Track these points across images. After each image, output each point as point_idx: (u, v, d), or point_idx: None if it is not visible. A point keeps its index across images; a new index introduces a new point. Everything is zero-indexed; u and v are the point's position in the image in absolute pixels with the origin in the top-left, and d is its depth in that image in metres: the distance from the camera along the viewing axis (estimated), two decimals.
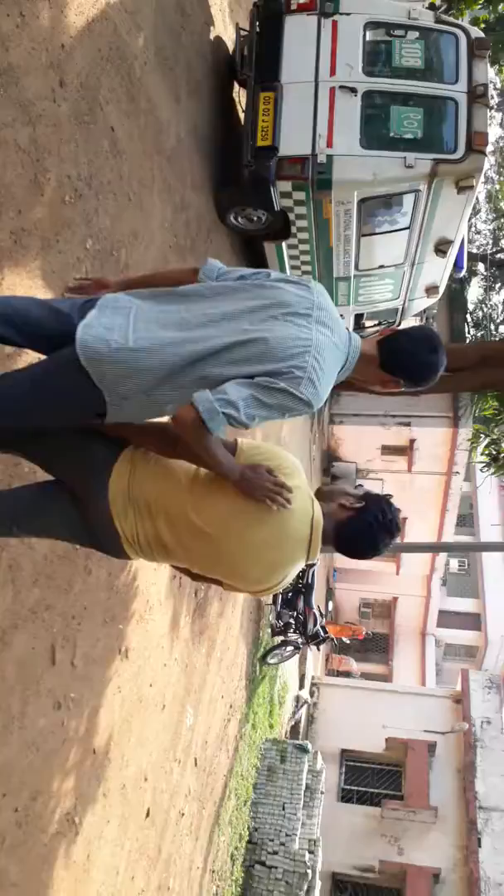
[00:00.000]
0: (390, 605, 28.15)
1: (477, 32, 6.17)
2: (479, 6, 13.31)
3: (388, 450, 20.66)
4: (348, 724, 14.59)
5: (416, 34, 6.12)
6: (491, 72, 13.07)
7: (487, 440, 7.10)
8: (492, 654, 27.18)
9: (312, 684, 15.22)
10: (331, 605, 15.55)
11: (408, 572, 24.79)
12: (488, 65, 6.09)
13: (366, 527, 2.00)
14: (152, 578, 4.92)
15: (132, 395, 1.84)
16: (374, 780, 14.65)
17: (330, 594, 24.68)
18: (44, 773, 3.38)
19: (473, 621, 28.21)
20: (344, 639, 15.84)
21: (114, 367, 1.81)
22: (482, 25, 12.75)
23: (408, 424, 19.59)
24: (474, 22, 12.73)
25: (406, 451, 20.40)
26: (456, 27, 6.13)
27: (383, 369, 2.03)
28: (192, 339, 1.84)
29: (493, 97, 18.57)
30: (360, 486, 2.27)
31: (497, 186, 21.86)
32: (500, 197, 21.73)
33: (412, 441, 20.17)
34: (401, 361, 2.03)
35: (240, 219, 6.45)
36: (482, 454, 7.22)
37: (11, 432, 2.01)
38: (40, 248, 3.18)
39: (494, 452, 6.99)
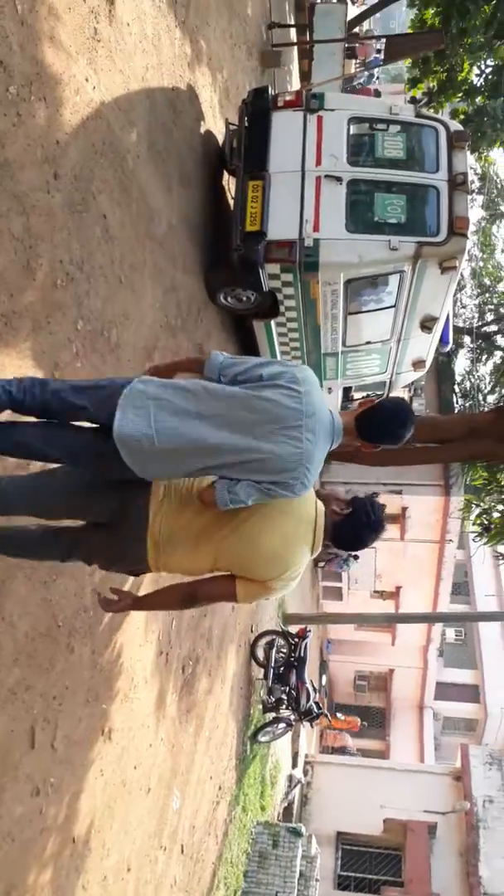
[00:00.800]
0: (386, 677, 27.52)
1: (456, 126, 6.54)
2: (458, 99, 14.15)
3: None
4: (344, 804, 14.06)
5: (398, 128, 6.47)
6: (471, 159, 13.75)
7: (479, 510, 7.14)
8: (492, 728, 26.43)
9: (306, 763, 14.73)
10: (324, 678, 15.21)
11: (403, 643, 24.36)
12: (468, 155, 6.42)
13: (354, 527, 2.48)
14: (137, 655, 4.85)
15: (155, 472, 2.36)
16: (373, 865, 14.02)
17: (324, 667, 24.17)
18: (20, 865, 3.26)
19: (472, 693, 27.56)
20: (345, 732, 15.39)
21: (141, 456, 2.28)
22: (461, 117, 13.53)
23: (399, 492, 19.61)
24: (454, 114, 13.50)
25: (398, 519, 20.36)
26: (435, 121, 6.49)
27: (361, 438, 2.44)
28: (208, 447, 2.28)
29: (473, 182, 19.50)
30: (349, 491, 2.70)
31: (481, 263, 22.64)
32: (483, 273, 22.46)
33: (404, 509, 20.16)
34: (373, 434, 2.45)
35: (230, 299, 6.66)
36: (474, 524, 7.25)
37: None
38: (31, 329, 3.29)
39: (486, 522, 7.02)
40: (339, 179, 6.22)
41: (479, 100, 14.00)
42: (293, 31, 10.85)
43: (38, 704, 3.38)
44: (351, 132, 6.43)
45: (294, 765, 13.83)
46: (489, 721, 26.37)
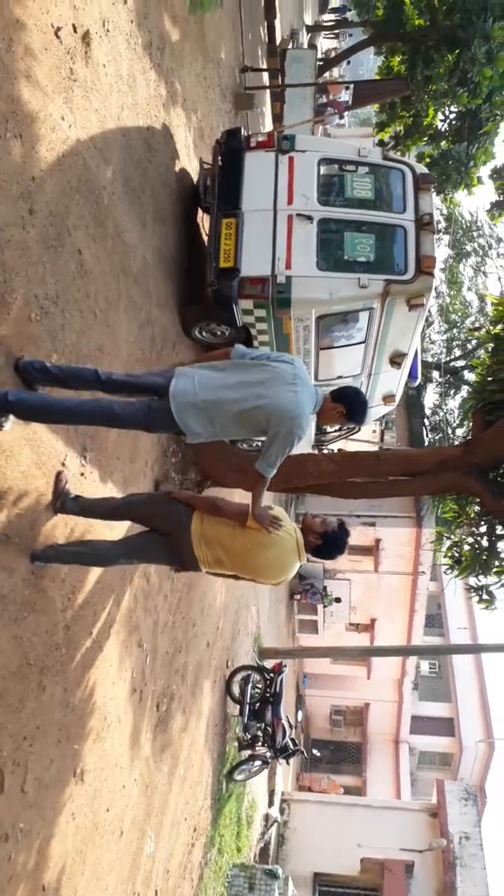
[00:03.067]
0: (362, 711, 27.31)
1: (421, 168, 6.75)
2: (424, 142, 14.63)
3: (354, 550, 20.62)
4: (321, 843, 13.82)
5: (367, 169, 6.66)
6: (437, 200, 14.16)
7: (449, 542, 7.18)
8: (467, 761, 26.30)
9: (283, 801, 14.48)
10: (300, 714, 15.02)
11: (379, 676, 24.25)
12: (433, 196, 6.62)
13: (326, 549, 3.73)
14: (110, 693, 4.76)
15: (190, 424, 3.44)
16: None
17: (300, 701, 23.91)
18: None
19: (446, 727, 27.43)
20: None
21: (184, 408, 3.41)
22: (427, 160, 13.97)
23: (372, 524, 19.72)
24: (420, 157, 13.93)
25: (372, 550, 20.43)
26: (402, 164, 6.70)
27: (333, 401, 3.60)
28: (233, 399, 3.42)
29: (439, 222, 20.05)
30: (323, 521, 3.73)
31: (448, 300, 23.17)
32: (451, 310, 22.97)
33: (378, 541, 20.25)
34: (353, 407, 3.64)
35: (204, 333, 6.72)
36: (445, 556, 7.29)
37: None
38: (3, 363, 3.28)
39: (457, 555, 7.05)
40: (310, 218, 6.36)
41: (443, 144, 14.50)
42: (266, 75, 11.17)
43: (7, 746, 3.30)
44: (321, 172, 6.60)
45: (270, 803, 13.58)
46: (464, 755, 26.24)
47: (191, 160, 6.96)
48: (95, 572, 4.42)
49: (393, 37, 14.07)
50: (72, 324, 3.99)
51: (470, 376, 22.65)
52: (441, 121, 14.61)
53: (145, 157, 5.54)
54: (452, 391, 23.17)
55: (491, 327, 7.41)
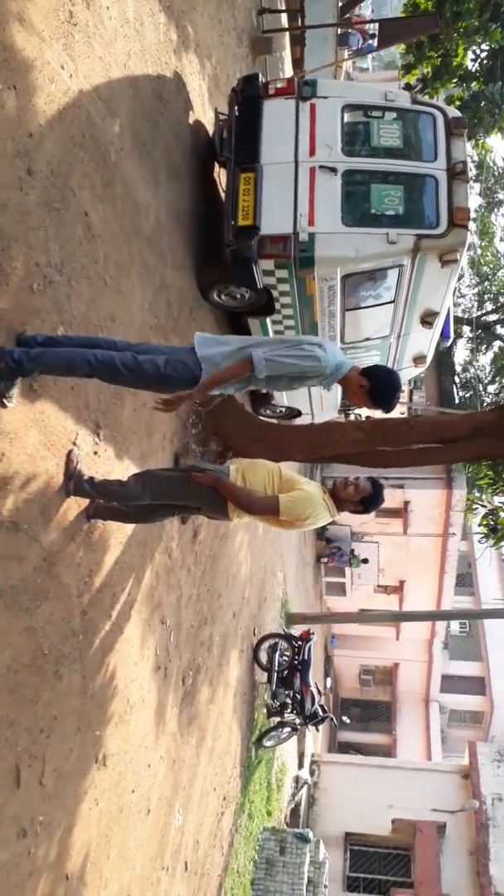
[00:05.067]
0: (391, 671, 27.38)
1: (453, 112, 6.27)
2: (454, 84, 13.83)
3: (382, 512, 20.35)
4: (352, 804, 13.87)
5: (394, 115, 6.21)
6: (468, 146, 13.43)
7: (484, 511, 6.90)
8: (498, 719, 26.32)
9: (312, 762, 14.55)
10: (329, 681, 15.01)
11: (408, 637, 24.19)
12: (465, 142, 6.16)
13: (366, 510, 3.75)
14: (132, 674, 4.62)
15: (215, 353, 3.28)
16: (382, 865, 13.85)
17: (328, 662, 24.00)
18: None
19: (478, 685, 27.42)
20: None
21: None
22: (457, 103, 13.22)
23: (401, 486, 19.39)
24: (449, 100, 13.20)
25: (401, 513, 20.15)
26: (432, 107, 6.23)
27: (369, 396, 3.36)
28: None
29: (471, 170, 19.19)
30: (356, 485, 3.67)
31: (479, 252, 22.32)
32: (482, 262, 22.15)
33: (406, 503, 19.95)
34: (381, 399, 3.39)
35: (223, 296, 6.41)
36: (480, 524, 7.01)
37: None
38: (5, 339, 3.05)
39: (493, 523, 6.77)
40: (334, 170, 5.96)
41: (474, 85, 13.70)
42: (284, 17, 10.56)
43: (22, 740, 3.15)
44: (345, 120, 6.16)
45: (300, 765, 13.66)
46: (495, 713, 26.25)
47: (206, 111, 6.55)
48: (113, 552, 4.24)
49: None
50: (79, 293, 3.73)
51: (502, 331, 21.98)
52: (472, 60, 13.77)
53: (156, 109, 5.18)
54: (483, 347, 22.52)
55: None
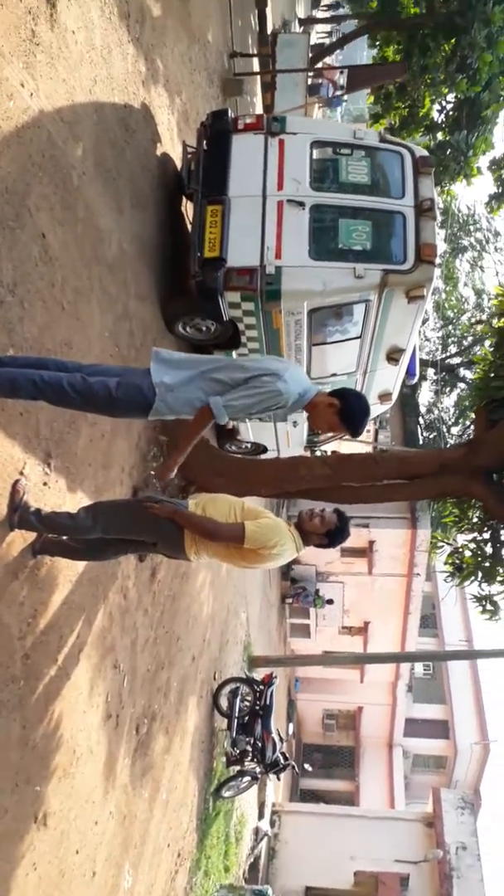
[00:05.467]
0: (355, 715, 26.91)
1: (421, 151, 6.33)
2: (421, 134, 14.21)
3: (347, 552, 20.22)
4: (313, 856, 13.39)
5: (363, 153, 6.23)
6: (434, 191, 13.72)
7: (450, 549, 6.77)
8: (462, 764, 25.99)
9: (273, 812, 14.06)
10: (291, 727, 14.61)
11: (372, 679, 23.83)
12: (433, 180, 6.20)
13: (332, 543, 3.65)
14: (80, 723, 4.32)
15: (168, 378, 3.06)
16: None
17: (291, 706, 23.50)
18: None
19: (441, 729, 27.10)
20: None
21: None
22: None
23: (366, 526, 19.28)
24: None
25: (366, 552, 20.01)
26: (400, 146, 6.27)
27: (339, 416, 3.22)
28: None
29: (437, 212, 19.66)
30: (322, 517, 3.58)
31: (444, 296, 22.77)
32: (447, 306, 22.58)
33: (371, 542, 19.83)
34: (353, 421, 3.28)
35: (188, 328, 6.29)
36: (445, 563, 6.88)
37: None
38: None
39: (458, 562, 6.65)
40: (301, 204, 5.93)
41: (440, 135, 14.07)
42: (256, 62, 10.73)
43: None
44: (314, 156, 6.16)
45: (261, 816, 13.15)
46: (459, 757, 25.93)
47: (174, 144, 6.51)
48: (61, 591, 3.98)
49: (388, 24, 13.63)
50: (33, 316, 3.55)
51: (466, 374, 22.33)
52: (437, 111, 14.18)
53: (122, 138, 5.09)
54: (448, 389, 22.81)
55: (494, 321, 6.99)
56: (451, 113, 13.96)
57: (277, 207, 5.93)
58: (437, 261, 6.01)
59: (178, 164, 6.50)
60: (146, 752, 6.09)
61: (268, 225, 5.89)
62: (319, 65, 14.38)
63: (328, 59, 15.97)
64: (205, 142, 6.12)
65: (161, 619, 6.55)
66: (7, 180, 3.29)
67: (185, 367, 3.07)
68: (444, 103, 14.17)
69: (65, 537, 3.58)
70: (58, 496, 3.87)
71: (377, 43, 14.49)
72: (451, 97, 13.92)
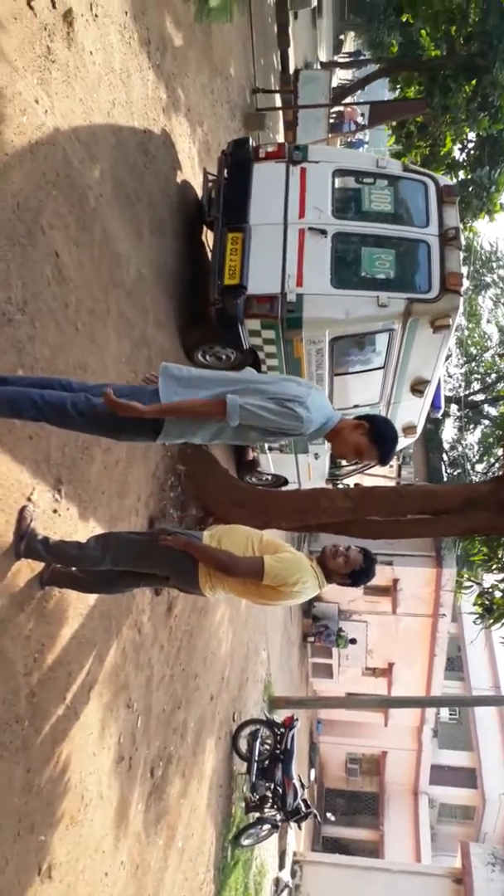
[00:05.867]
0: (379, 760, 26.04)
1: (445, 181, 6.24)
2: (442, 172, 14.21)
3: (371, 590, 19.79)
4: None
5: (386, 181, 6.15)
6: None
7: (478, 590, 6.48)
8: (490, 815, 24.85)
9: (294, 862, 13.48)
10: (313, 773, 14.09)
11: (397, 723, 23.08)
12: (457, 209, 6.09)
13: (355, 583, 3.42)
14: (89, 766, 4.09)
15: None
16: None
17: (314, 750, 22.80)
18: None
19: (468, 777, 26.04)
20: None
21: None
22: None
23: (390, 563, 18.88)
24: None
25: (390, 591, 19.56)
26: (424, 175, 6.19)
27: (368, 437, 2.97)
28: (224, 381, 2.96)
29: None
30: (346, 556, 3.37)
31: (466, 332, 22.65)
32: (469, 343, 22.43)
33: (395, 581, 19.39)
34: (385, 449, 3.04)
35: (208, 357, 6.18)
36: (474, 605, 6.59)
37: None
38: None
39: (488, 602, 6.36)
40: (323, 232, 5.84)
41: (461, 174, 14.09)
42: (278, 98, 10.83)
43: None
44: (336, 185, 6.09)
45: (281, 866, 12.60)
46: (487, 807, 24.83)
47: (195, 173, 6.50)
48: (70, 625, 3.79)
49: (409, 66, 13.79)
50: (44, 336, 3.44)
51: (490, 410, 22.04)
52: (459, 150, 14.22)
53: (141, 162, 5.05)
54: (472, 426, 22.53)
55: None
56: (472, 151, 14.00)
57: (299, 235, 5.85)
58: (463, 288, 5.86)
59: (199, 192, 6.47)
60: (161, 797, 5.80)
61: (289, 253, 5.80)
62: (341, 105, 14.54)
63: (349, 99, 16.16)
64: (226, 170, 6.09)
65: (178, 656, 6.31)
66: (19, 196, 3.21)
67: (198, 385, 2.88)
68: (465, 142, 14.23)
69: (73, 568, 3.41)
70: (68, 524, 3.71)
71: (398, 85, 14.68)
72: (472, 136, 13.98)
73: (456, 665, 27.16)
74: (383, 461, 3.08)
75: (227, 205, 5.96)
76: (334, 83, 17.03)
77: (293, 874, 13.12)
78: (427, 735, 23.77)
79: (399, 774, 25.30)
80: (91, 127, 4.05)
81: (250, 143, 6.21)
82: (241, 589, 3.28)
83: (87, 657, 4.03)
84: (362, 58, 25.06)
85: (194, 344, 6.03)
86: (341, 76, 28.19)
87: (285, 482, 8.78)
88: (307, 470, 8.35)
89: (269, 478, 8.79)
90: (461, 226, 6.23)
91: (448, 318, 5.84)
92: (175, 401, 2.78)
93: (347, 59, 28.20)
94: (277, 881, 12.05)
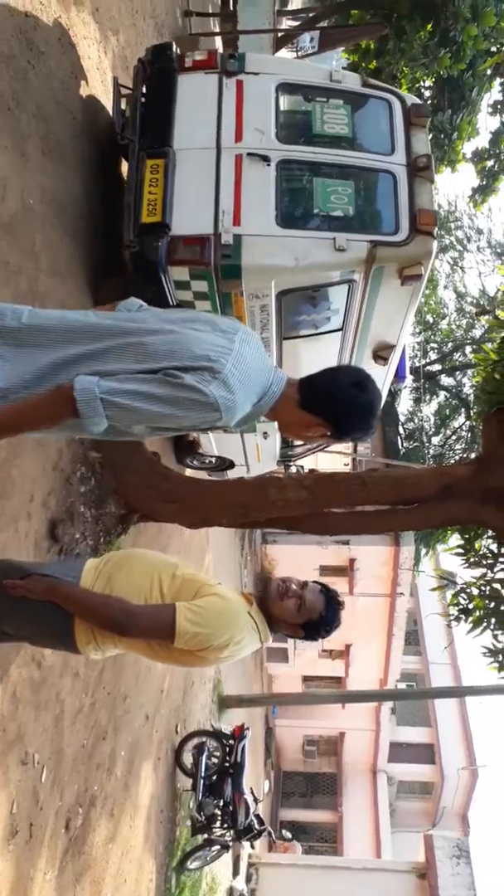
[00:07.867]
0: (337, 741, 25.57)
1: (413, 99, 5.16)
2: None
3: (327, 570, 19.12)
4: None
5: (342, 99, 5.03)
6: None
7: (455, 588, 5.57)
8: (449, 790, 24.80)
9: (250, 865, 12.68)
10: (267, 785, 13.27)
11: (354, 705, 22.57)
12: (427, 135, 5.03)
13: (310, 636, 2.44)
14: None
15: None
16: None
17: (269, 735, 22.14)
18: None
19: (427, 754, 25.89)
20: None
21: None
22: None
23: (346, 543, 18.14)
24: None
25: (346, 571, 18.86)
26: (388, 92, 5.09)
27: (303, 409, 1.93)
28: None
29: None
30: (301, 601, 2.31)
31: (423, 300, 21.81)
32: (426, 310, 21.59)
33: (352, 561, 18.70)
34: (321, 396, 1.93)
35: None
36: (450, 605, 5.68)
37: None
38: None
39: (464, 603, 5.45)
40: (266, 159, 4.70)
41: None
42: (215, 22, 9.58)
43: None
44: (281, 102, 4.95)
45: (235, 873, 11.77)
46: (445, 783, 24.77)
47: (107, 90, 5.25)
48: None
49: (362, 4, 12.58)
50: None
51: (448, 381, 21.35)
52: (416, 96, 13.13)
53: (23, 56, 3.82)
54: (428, 397, 21.81)
55: (500, 312, 5.80)
56: (431, 98, 12.95)
57: (235, 163, 4.70)
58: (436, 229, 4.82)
59: (111, 111, 5.25)
60: (81, 850, 4.80)
61: (223, 184, 4.65)
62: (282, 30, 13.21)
63: (291, 23, 14.76)
64: (143, 82, 4.89)
65: (100, 680, 5.24)
66: None
67: (35, 343, 1.75)
68: (422, 89, 13.16)
69: None
70: None
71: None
72: (428, 83, 12.92)
73: (413, 639, 26.82)
74: (342, 437, 2.04)
75: (146, 125, 4.77)
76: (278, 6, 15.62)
77: (248, 879, 12.33)
78: (385, 715, 23.41)
79: (357, 754, 24.95)
80: None
81: (174, 49, 5.00)
82: (144, 649, 2.21)
83: None
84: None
85: (107, 300, 4.84)
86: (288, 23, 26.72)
87: (231, 465, 7.72)
88: (255, 451, 7.30)
89: (213, 460, 7.71)
90: (432, 154, 5.17)
91: (419, 266, 4.78)
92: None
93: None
94: (231, 891, 11.23)
